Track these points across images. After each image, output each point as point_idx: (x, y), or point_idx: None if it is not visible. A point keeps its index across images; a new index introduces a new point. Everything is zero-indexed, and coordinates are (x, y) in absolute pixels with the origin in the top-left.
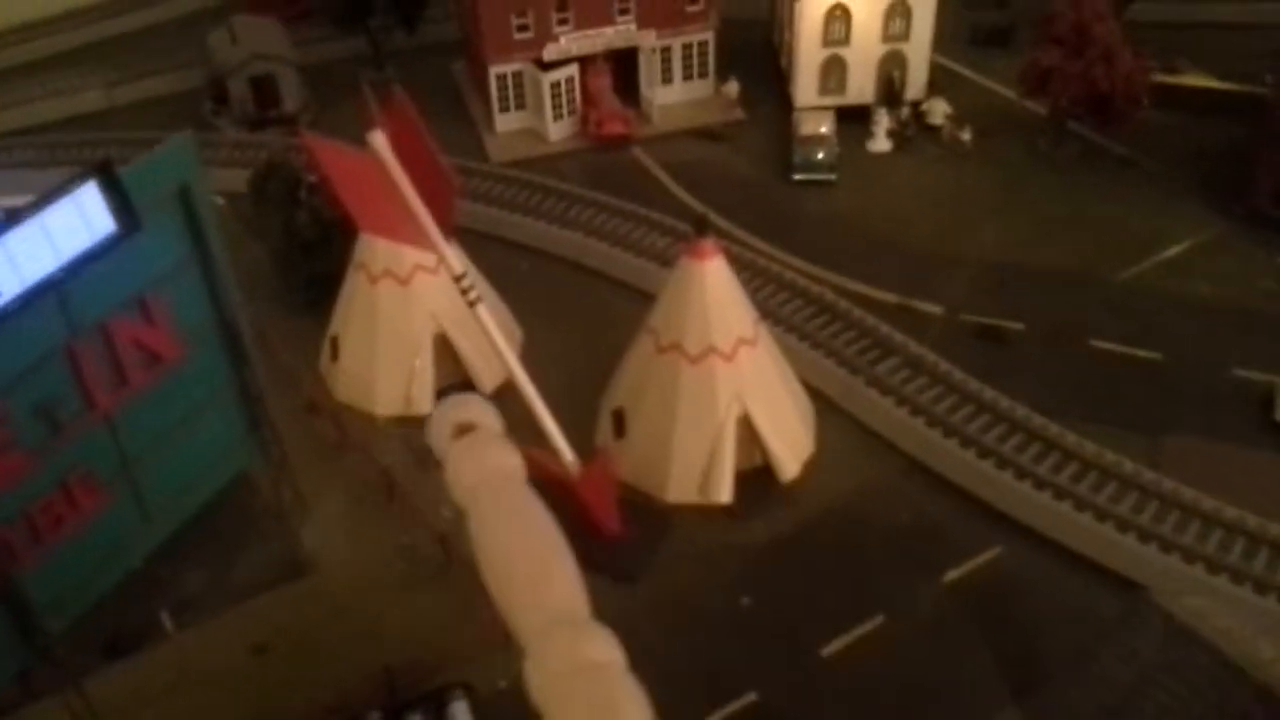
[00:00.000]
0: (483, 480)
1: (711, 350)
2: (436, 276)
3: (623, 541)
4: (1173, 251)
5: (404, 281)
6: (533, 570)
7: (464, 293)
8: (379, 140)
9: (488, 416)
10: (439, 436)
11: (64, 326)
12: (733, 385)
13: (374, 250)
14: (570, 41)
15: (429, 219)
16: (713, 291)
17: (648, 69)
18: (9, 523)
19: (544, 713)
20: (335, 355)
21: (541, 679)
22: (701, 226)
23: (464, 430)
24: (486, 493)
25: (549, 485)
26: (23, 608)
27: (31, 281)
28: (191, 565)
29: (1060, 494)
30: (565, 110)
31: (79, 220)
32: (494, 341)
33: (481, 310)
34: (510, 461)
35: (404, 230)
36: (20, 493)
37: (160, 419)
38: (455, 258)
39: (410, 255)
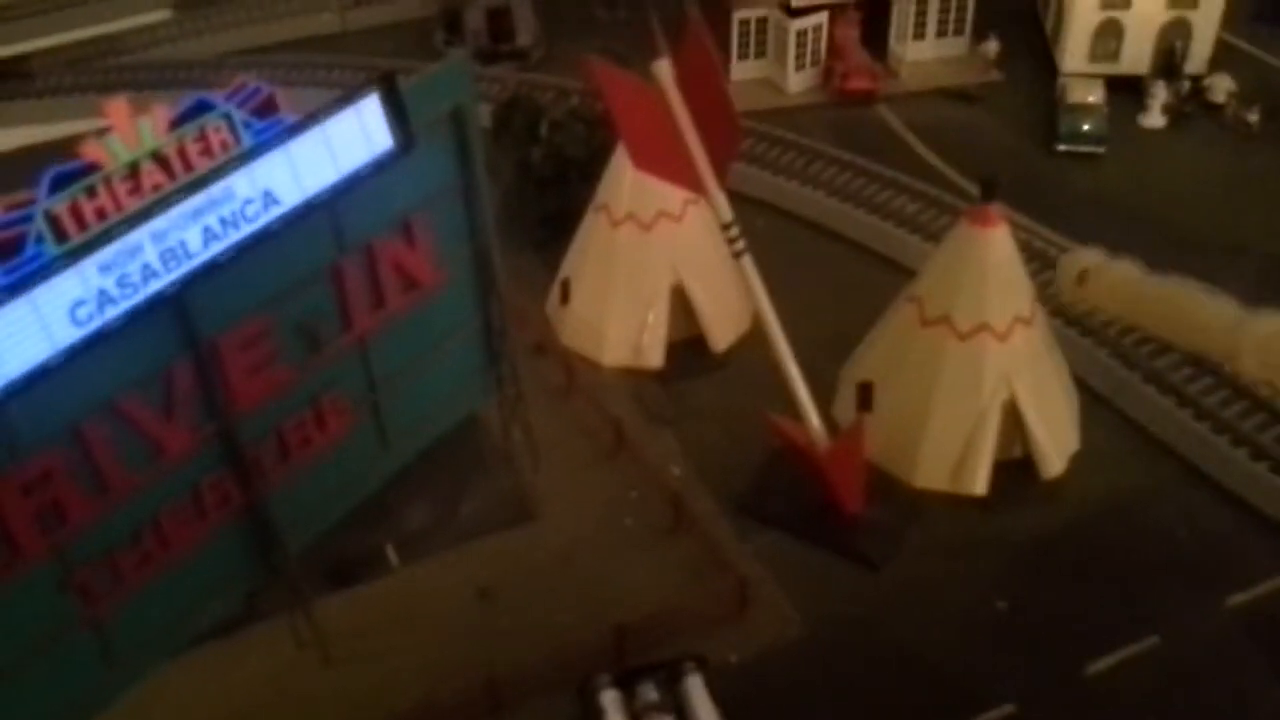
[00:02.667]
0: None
1: (984, 327)
2: (680, 225)
3: (866, 523)
4: None
5: (647, 227)
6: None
7: (731, 241)
8: (664, 70)
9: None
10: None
11: (333, 243)
12: (1002, 367)
13: (619, 192)
14: None
15: (705, 161)
16: (994, 262)
17: (900, 21)
18: (263, 437)
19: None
20: (565, 298)
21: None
22: (990, 190)
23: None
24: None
25: (794, 455)
26: (267, 526)
27: (311, 192)
28: (418, 500)
29: None
30: (809, 60)
31: (359, 134)
32: (756, 294)
33: (747, 261)
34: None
35: (677, 170)
36: (275, 410)
37: (409, 346)
38: (725, 206)
39: (655, 200)
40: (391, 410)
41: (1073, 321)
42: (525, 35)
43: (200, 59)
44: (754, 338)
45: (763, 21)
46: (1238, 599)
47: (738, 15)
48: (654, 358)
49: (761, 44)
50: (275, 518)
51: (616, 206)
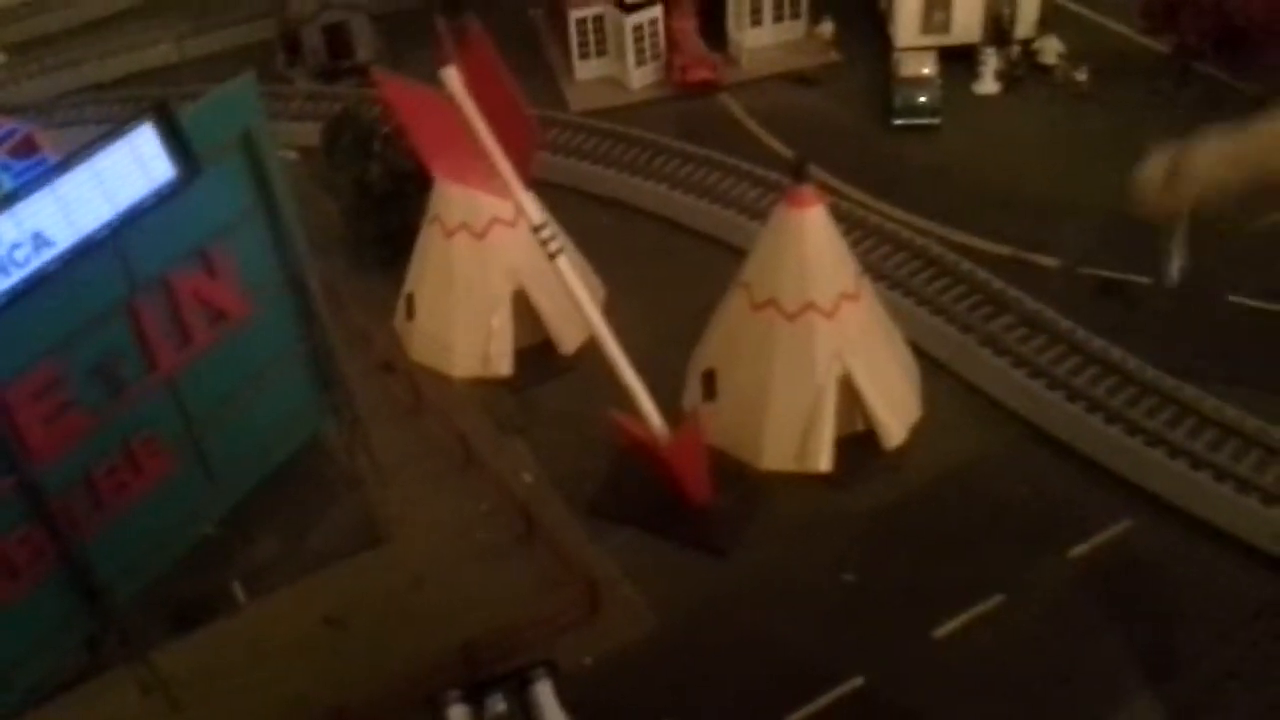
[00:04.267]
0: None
1: (810, 306)
2: (515, 230)
3: (714, 511)
4: None
5: (480, 235)
6: None
7: (544, 243)
8: (453, 77)
9: None
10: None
11: (123, 280)
12: (833, 344)
13: (449, 202)
14: None
15: (506, 163)
16: (812, 242)
17: (736, 10)
18: (70, 487)
19: None
20: (410, 314)
21: None
22: (800, 171)
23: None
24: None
25: (639, 452)
26: (86, 574)
27: (86, 230)
28: (264, 532)
29: (1197, 463)
30: (649, 55)
31: (135, 166)
32: (576, 295)
33: (562, 262)
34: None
35: (479, 175)
36: (81, 456)
37: (226, 379)
38: (534, 206)
39: (487, 208)
40: (216, 446)
41: (908, 290)
42: (364, 50)
43: (34, 101)
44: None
45: (599, 19)
46: (1077, 551)
47: (574, 15)
48: (502, 366)
49: (601, 42)
50: (98, 567)
51: (449, 217)
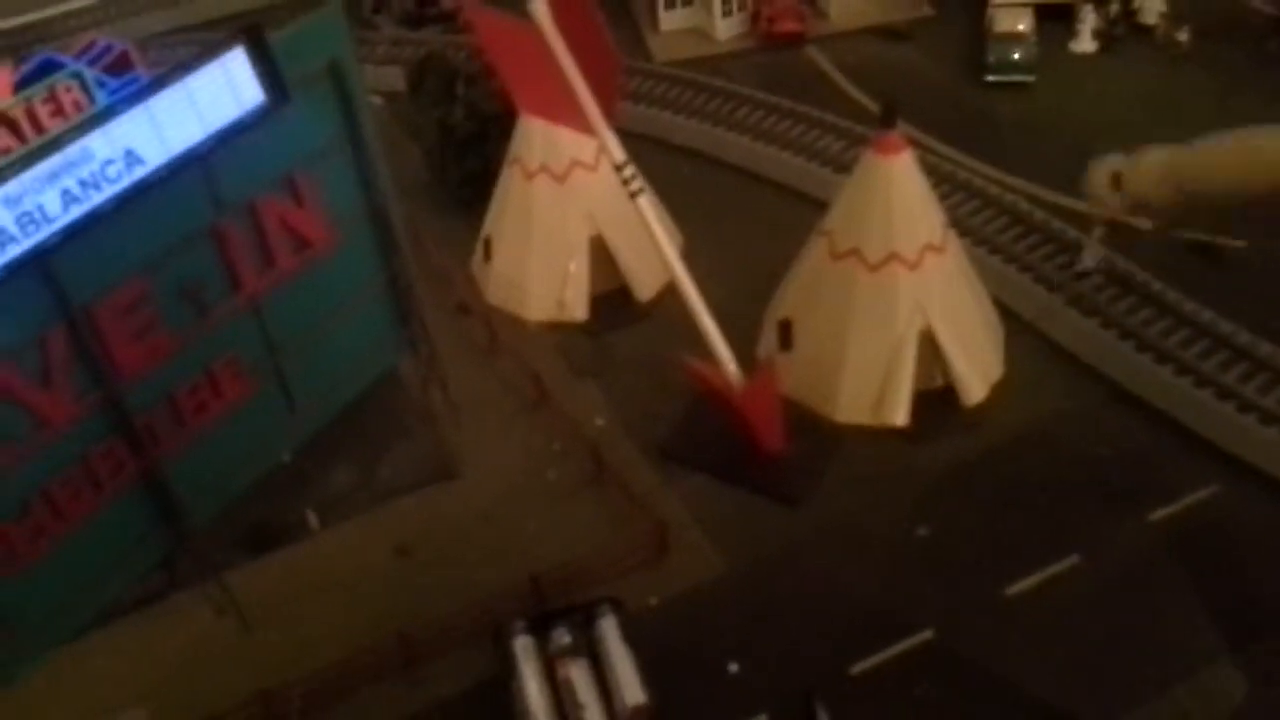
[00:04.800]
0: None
1: (894, 257)
2: (595, 174)
3: (786, 460)
4: None
5: (560, 178)
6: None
7: (625, 183)
8: (540, 8)
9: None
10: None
11: (210, 203)
12: (916, 296)
13: (530, 144)
14: None
15: (591, 99)
16: (899, 191)
17: None
18: (154, 404)
19: None
20: (488, 256)
21: None
22: (889, 117)
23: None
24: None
25: (713, 399)
26: (166, 494)
27: (177, 151)
28: (338, 462)
29: None
30: (735, 6)
31: (226, 89)
32: (655, 235)
33: (643, 201)
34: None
35: (563, 110)
36: (165, 376)
37: (308, 308)
38: (617, 145)
39: (568, 150)
40: (296, 373)
41: (995, 247)
42: None
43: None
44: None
45: None
46: (1160, 514)
47: None
48: (578, 311)
49: None
50: (177, 486)
51: (530, 159)
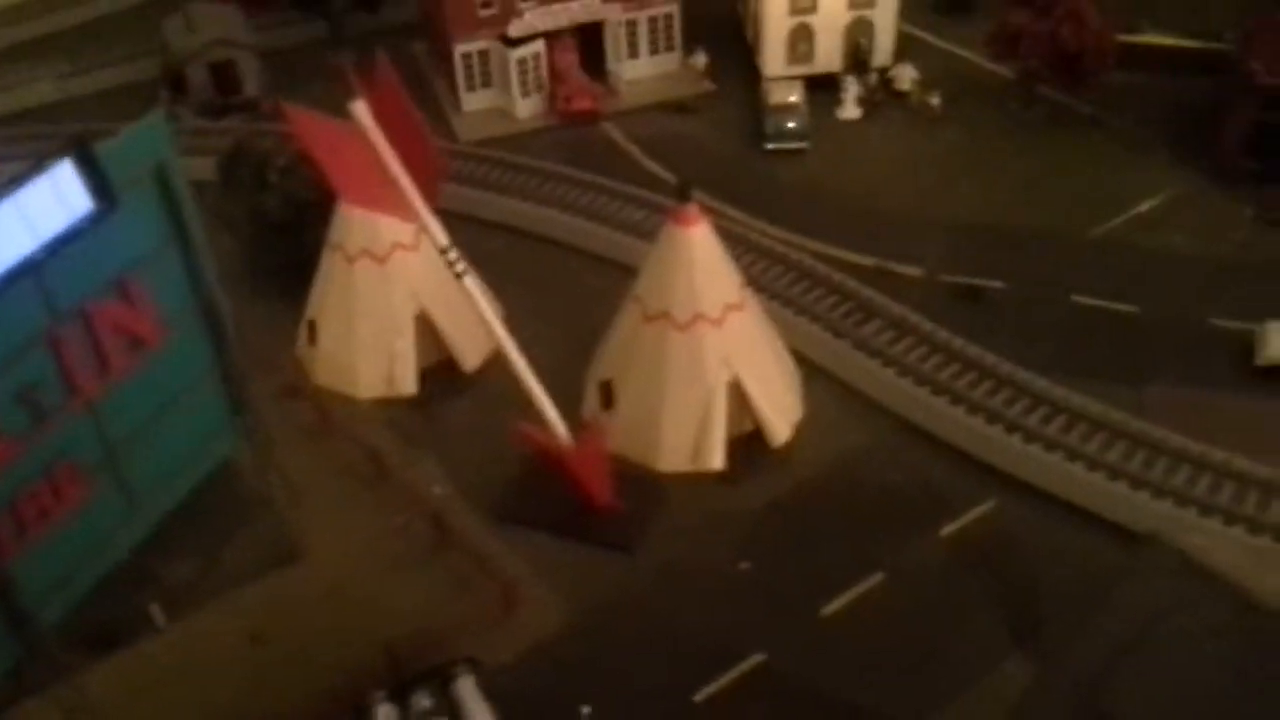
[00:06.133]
0: None
1: (700, 317)
2: (415, 254)
3: (617, 512)
4: (1145, 207)
5: (382, 260)
6: None
7: (451, 264)
8: (361, 109)
9: None
10: None
11: (44, 310)
12: (721, 351)
13: (350, 229)
14: (535, 17)
15: (413, 188)
16: (700, 257)
17: (614, 43)
18: None
19: None
20: (313, 339)
21: None
22: (684, 193)
23: None
24: None
25: (544, 460)
26: (11, 601)
27: (9, 263)
28: (180, 555)
29: (1051, 446)
30: (533, 87)
31: (55, 199)
32: (482, 312)
33: (469, 281)
34: None
35: (387, 200)
36: (5, 483)
37: (143, 405)
38: (439, 229)
39: (387, 233)
40: (135, 471)
41: (786, 300)
42: (252, 85)
43: None
44: (501, 355)
45: (485, 54)
46: (948, 530)
47: (459, 49)
48: (407, 386)
49: (486, 74)
50: (21, 593)
51: (350, 244)
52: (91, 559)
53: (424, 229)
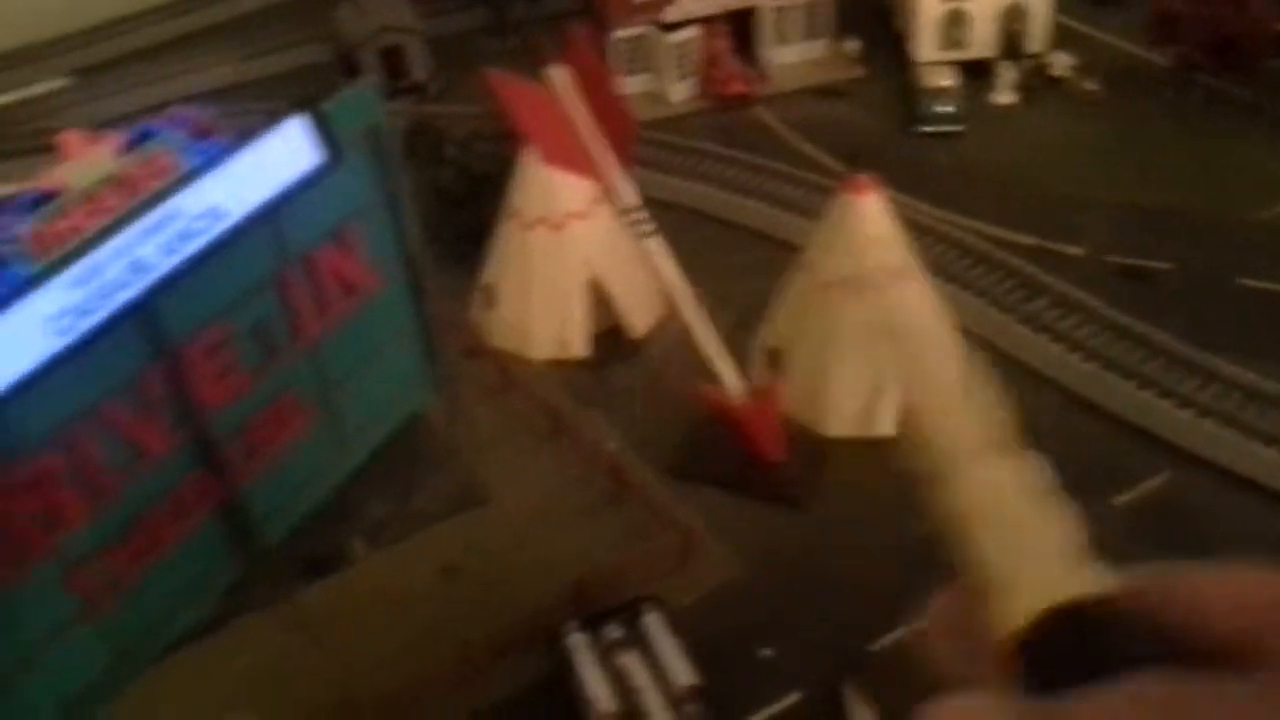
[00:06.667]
0: None
1: (869, 285)
2: (589, 222)
3: (787, 469)
4: None
5: (558, 228)
6: None
7: (636, 224)
8: (559, 73)
9: None
10: None
11: (276, 253)
12: (890, 320)
13: (527, 198)
14: (692, 3)
15: (606, 151)
16: (870, 226)
17: (766, 29)
18: (230, 440)
19: None
20: (490, 303)
21: None
22: (855, 161)
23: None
24: None
25: (718, 417)
26: (243, 521)
27: (251, 206)
28: (376, 496)
29: (1226, 421)
30: (687, 71)
31: (290, 151)
32: (663, 272)
33: (654, 243)
34: None
35: (583, 161)
36: (240, 411)
37: (353, 349)
38: (629, 190)
39: (563, 202)
40: (344, 411)
41: (949, 276)
42: (420, 70)
43: (105, 119)
44: (667, 322)
45: (641, 39)
46: (1121, 499)
47: (617, 35)
48: (578, 348)
49: (643, 59)
50: (247, 513)
51: (527, 212)
52: (304, 491)
53: (613, 190)
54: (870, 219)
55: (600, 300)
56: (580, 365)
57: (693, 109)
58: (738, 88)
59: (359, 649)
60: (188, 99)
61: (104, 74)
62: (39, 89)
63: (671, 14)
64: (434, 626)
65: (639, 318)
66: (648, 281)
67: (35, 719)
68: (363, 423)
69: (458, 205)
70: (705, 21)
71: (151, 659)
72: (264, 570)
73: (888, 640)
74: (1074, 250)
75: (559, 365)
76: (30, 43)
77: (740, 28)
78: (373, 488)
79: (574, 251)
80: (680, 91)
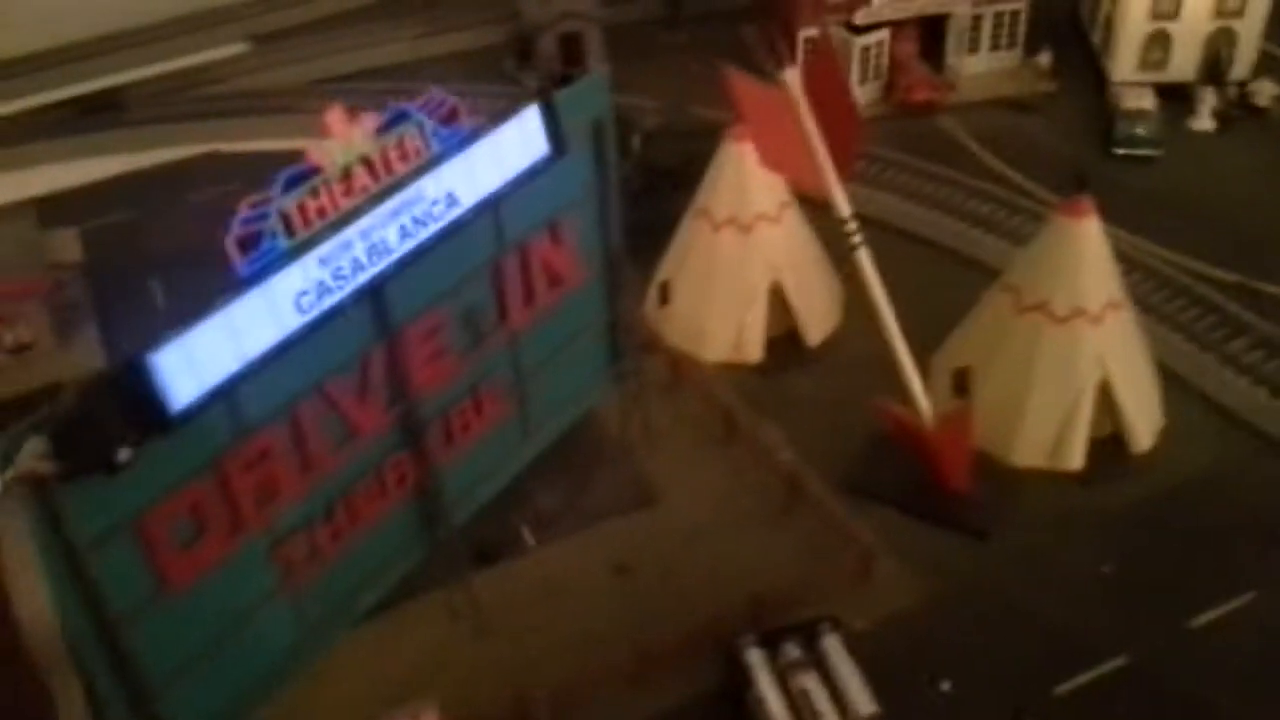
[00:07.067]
0: None
1: (1080, 312)
2: (778, 226)
3: (972, 497)
4: None
5: (747, 229)
6: None
7: (849, 235)
8: (792, 77)
9: None
10: None
11: (494, 241)
12: (1097, 350)
13: (719, 197)
14: (884, 6)
15: (827, 159)
16: (1088, 251)
17: (957, 37)
18: (432, 423)
19: None
20: (665, 299)
21: None
22: (1082, 183)
23: None
24: None
25: (900, 436)
26: (436, 503)
27: (483, 194)
28: (548, 486)
29: None
30: (872, 74)
31: (522, 141)
32: (871, 285)
33: (863, 255)
34: None
35: (801, 167)
36: (443, 396)
37: (551, 340)
38: (844, 200)
39: (754, 204)
40: (534, 401)
41: (1147, 307)
42: (594, 59)
43: (279, 88)
44: (843, 332)
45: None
46: None
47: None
48: (753, 352)
49: None
50: (442, 496)
51: (717, 211)
52: (488, 479)
53: (832, 198)
54: (1089, 244)
55: (779, 306)
56: (752, 370)
57: (874, 113)
58: (924, 94)
59: (529, 641)
60: (362, 73)
61: (280, 42)
62: (217, 54)
63: (863, 16)
64: (607, 625)
65: (815, 327)
66: (827, 290)
67: (234, 687)
68: (547, 414)
69: (635, 199)
70: (895, 25)
71: (335, 638)
72: (435, 556)
73: (1071, 685)
74: (1275, 290)
75: (731, 368)
76: (212, 6)
77: (929, 34)
78: (544, 479)
79: (760, 255)
80: (863, 95)
